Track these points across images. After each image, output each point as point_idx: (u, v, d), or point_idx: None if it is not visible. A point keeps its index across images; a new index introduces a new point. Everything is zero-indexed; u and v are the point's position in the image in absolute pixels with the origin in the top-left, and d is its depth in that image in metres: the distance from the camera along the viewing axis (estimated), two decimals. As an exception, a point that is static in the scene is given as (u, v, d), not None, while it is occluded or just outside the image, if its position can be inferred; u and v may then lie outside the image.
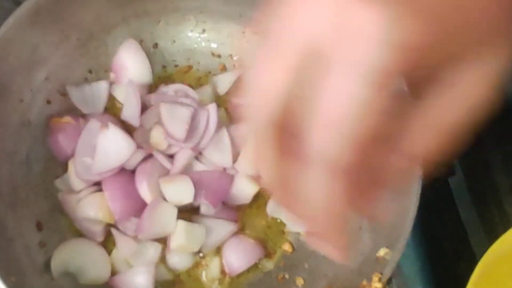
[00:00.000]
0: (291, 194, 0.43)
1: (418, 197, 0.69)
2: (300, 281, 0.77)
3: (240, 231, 0.80)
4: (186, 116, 0.76)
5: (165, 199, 0.75)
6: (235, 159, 0.79)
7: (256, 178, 0.80)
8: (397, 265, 0.68)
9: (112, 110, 0.82)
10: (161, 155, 0.77)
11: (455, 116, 0.43)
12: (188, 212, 0.78)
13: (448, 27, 0.39)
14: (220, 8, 0.84)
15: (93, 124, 0.76)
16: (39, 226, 0.75)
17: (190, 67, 0.86)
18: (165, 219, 0.75)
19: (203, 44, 0.86)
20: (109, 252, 0.76)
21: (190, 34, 0.86)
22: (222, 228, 0.78)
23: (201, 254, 0.78)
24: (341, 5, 0.37)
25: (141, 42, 0.84)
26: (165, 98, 0.80)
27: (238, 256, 0.77)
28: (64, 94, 0.79)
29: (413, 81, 0.42)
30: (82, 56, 0.81)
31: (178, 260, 0.77)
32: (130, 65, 0.82)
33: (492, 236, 0.84)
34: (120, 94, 0.82)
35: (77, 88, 0.80)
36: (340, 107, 0.37)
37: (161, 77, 0.84)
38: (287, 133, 0.41)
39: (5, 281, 0.65)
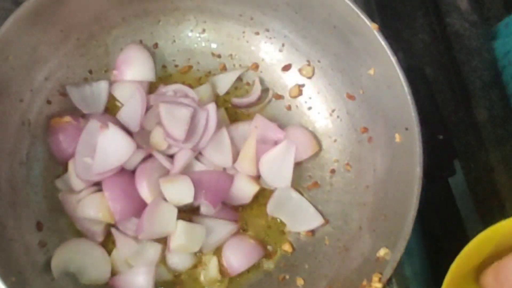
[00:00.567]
0: None
1: (418, 197, 0.69)
2: (300, 282, 0.77)
3: (240, 231, 0.80)
4: (185, 117, 0.76)
5: (165, 199, 0.75)
6: (235, 159, 0.79)
7: (256, 178, 0.80)
8: (397, 265, 0.68)
9: (112, 110, 0.82)
10: (161, 155, 0.77)
11: None
12: (188, 212, 0.78)
13: None
14: (220, 8, 0.84)
15: (93, 124, 0.76)
16: (39, 226, 0.75)
17: (190, 67, 0.86)
18: (165, 219, 0.75)
19: (203, 44, 0.86)
20: (109, 252, 0.76)
21: (190, 34, 0.86)
22: (222, 228, 0.78)
23: (200, 254, 0.78)
24: None
25: (141, 42, 0.84)
26: (165, 98, 0.80)
27: (238, 256, 0.77)
28: (64, 94, 0.79)
29: None
30: (82, 56, 0.81)
31: (178, 260, 0.77)
32: (135, 61, 0.82)
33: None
34: (120, 94, 0.82)
35: (77, 88, 0.80)
36: None
37: (161, 77, 0.84)
38: None
39: (5, 281, 0.65)
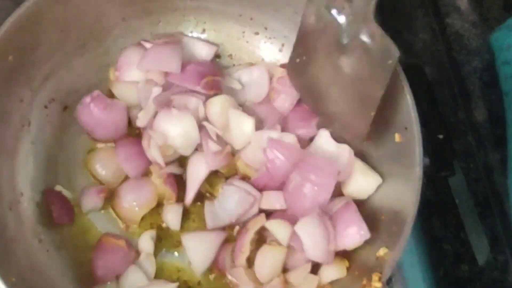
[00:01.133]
0: None
1: (418, 197, 0.69)
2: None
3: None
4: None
5: None
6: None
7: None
8: (397, 265, 0.68)
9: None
10: None
11: None
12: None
13: None
14: (220, 8, 0.84)
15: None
16: (40, 226, 0.75)
17: (190, 67, 0.85)
18: None
19: (203, 44, 0.86)
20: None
21: (190, 34, 0.86)
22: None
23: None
24: None
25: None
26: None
27: None
28: (64, 94, 0.79)
29: None
30: (82, 56, 0.81)
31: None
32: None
33: (492, 236, 0.85)
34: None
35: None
36: None
37: (161, 77, 0.84)
38: None
39: (5, 281, 0.65)
